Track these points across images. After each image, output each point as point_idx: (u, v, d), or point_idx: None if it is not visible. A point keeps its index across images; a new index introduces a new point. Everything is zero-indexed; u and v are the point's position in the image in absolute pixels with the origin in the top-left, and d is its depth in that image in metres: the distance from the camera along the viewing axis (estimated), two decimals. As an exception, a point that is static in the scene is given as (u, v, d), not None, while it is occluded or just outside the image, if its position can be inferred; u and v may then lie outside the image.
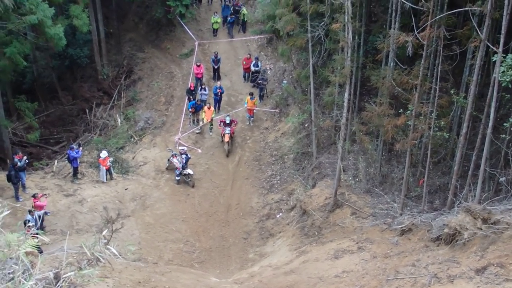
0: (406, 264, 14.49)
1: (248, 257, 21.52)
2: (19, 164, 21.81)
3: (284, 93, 29.71)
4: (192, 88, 29.62)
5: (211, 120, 28.20)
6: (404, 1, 17.35)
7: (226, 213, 24.18)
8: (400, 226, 16.93)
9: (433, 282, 12.72)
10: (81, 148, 24.81)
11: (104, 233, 8.25)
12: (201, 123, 28.51)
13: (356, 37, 22.21)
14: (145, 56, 35.09)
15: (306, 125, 26.73)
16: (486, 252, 12.73)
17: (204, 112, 28.17)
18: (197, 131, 28.47)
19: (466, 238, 13.65)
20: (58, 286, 5.54)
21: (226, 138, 27.06)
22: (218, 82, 30.24)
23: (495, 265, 11.98)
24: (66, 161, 24.92)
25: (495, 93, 15.12)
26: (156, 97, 31.98)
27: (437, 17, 16.20)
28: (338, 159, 19.98)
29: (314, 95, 24.55)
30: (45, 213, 20.69)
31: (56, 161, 26.78)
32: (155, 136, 28.64)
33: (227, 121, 27.17)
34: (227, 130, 26.95)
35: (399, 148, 19.40)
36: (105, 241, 9.07)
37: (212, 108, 28.23)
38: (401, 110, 19.67)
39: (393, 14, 19.01)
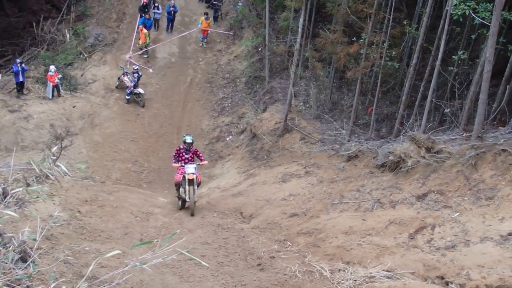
0: (351, 189, 14.92)
1: (197, 179, 21.65)
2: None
3: (239, 15, 29.31)
4: (145, 4, 28.80)
5: (146, 41, 27.63)
6: None
7: (176, 134, 24.08)
8: (347, 153, 17.31)
9: (376, 207, 13.19)
10: (22, 63, 23.63)
11: (53, 150, 8.16)
12: (144, 48, 27.89)
13: (314, -38, 21.88)
14: (97, -31, 33.62)
15: (259, 49, 26.54)
16: (428, 180, 13.22)
17: (140, 32, 27.61)
18: (145, 56, 27.93)
19: (409, 166, 14.11)
20: (6, 202, 5.46)
21: (190, 177, 14.78)
22: (172, 1, 29.53)
23: (435, 192, 12.48)
24: (11, 76, 24.15)
25: (446, 26, 15.33)
26: (107, 13, 30.92)
27: None
28: (290, 84, 20.06)
29: (269, 19, 24.30)
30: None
31: (0, 75, 25.88)
32: (106, 54, 27.93)
33: (188, 140, 15.07)
34: (190, 168, 14.83)
35: (350, 76, 19.61)
36: (54, 158, 9.00)
37: (145, 31, 27.52)
38: (354, 39, 19.79)
39: None
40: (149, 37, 27.64)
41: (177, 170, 15.20)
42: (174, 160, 15.16)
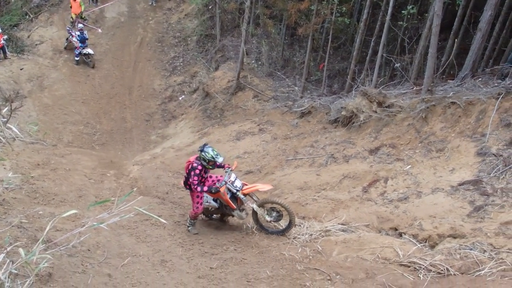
0: (305, 145, 15.05)
1: (150, 139, 21.48)
2: None
3: (188, -28, 28.70)
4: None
5: (80, 14, 25.70)
6: None
7: (127, 95, 23.69)
8: (300, 109, 17.38)
9: (330, 162, 13.38)
10: None
11: (3, 111, 7.85)
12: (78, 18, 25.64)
13: None
14: None
15: (210, 7, 26.14)
16: (380, 134, 13.46)
17: (72, 1, 25.48)
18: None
19: (362, 121, 14.31)
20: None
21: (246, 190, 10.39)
22: (119, -42, 28.67)
23: (387, 146, 12.73)
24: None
25: (396, -20, 15.38)
26: (53, -29, 29.84)
27: None
28: (242, 42, 19.87)
29: (219, -25, 23.92)
30: None
31: None
32: (52, 14, 26.94)
33: (220, 161, 9.96)
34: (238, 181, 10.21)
35: (302, 33, 19.56)
36: (5, 120, 8.71)
37: (78, 0, 25.41)
38: (305, -5, 19.67)
39: None
40: (84, 5, 26.14)
41: (196, 198, 10.15)
42: (204, 188, 9.67)
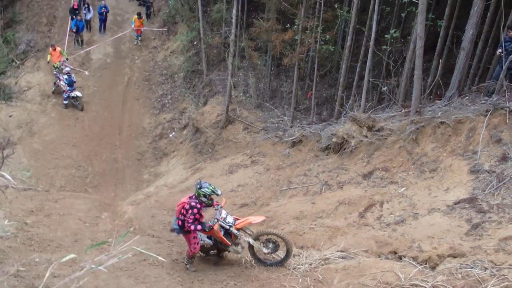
0: (298, 174, 15.04)
1: (143, 178, 21.41)
2: None
3: (172, 10, 28.97)
4: (75, 7, 28.06)
5: (59, 63, 25.12)
6: None
7: (118, 135, 23.67)
8: (291, 138, 17.42)
9: (324, 189, 13.36)
10: None
11: None
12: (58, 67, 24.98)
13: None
14: (21, -26, 32.50)
15: (195, 43, 26.34)
16: (372, 158, 13.48)
17: (52, 51, 25.17)
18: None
19: (353, 146, 14.35)
20: None
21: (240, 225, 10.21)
22: (103, 1, 28.96)
23: (380, 169, 12.74)
24: None
25: (376, 6, 15.61)
26: (37, 18, 29.96)
27: None
28: (229, 75, 19.99)
29: (202, 12, 24.13)
30: None
31: None
32: (39, 59, 27.06)
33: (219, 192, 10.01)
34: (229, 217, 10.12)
35: (287, 63, 19.76)
36: (-3, 167, 8.65)
37: (58, 49, 25.31)
38: (288, 25, 19.94)
39: None
40: (65, 53, 25.81)
41: (192, 239, 9.93)
42: (198, 226, 9.54)
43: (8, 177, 6.15)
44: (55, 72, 24.73)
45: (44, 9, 30.39)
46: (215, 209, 9.94)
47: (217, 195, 9.65)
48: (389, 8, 17.93)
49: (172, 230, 10.44)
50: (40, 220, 12.86)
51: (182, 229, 9.86)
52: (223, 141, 20.07)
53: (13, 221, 12.07)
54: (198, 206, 9.56)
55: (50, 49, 25.21)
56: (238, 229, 9.79)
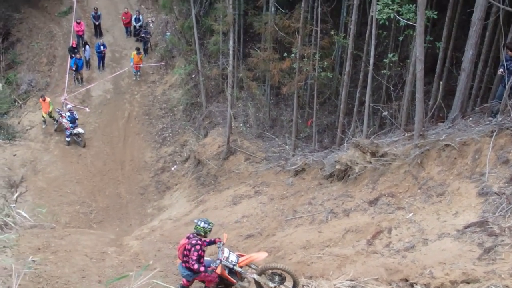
0: (303, 203, 14.88)
1: (147, 212, 21.35)
2: None
3: (169, 45, 29.20)
4: (74, 46, 28.30)
5: (49, 113, 25.17)
6: None
7: (120, 170, 23.73)
8: (293, 167, 17.30)
9: (330, 218, 13.16)
10: None
11: (15, 196, 7.71)
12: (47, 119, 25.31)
13: (236, -16, 22.05)
14: (21, 16, 32.71)
15: (193, 76, 26.44)
16: (377, 184, 13.30)
17: (41, 102, 25.22)
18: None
19: (357, 172, 14.18)
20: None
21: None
22: (101, 40, 29.26)
23: (386, 195, 12.56)
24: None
25: (373, 31, 15.60)
26: (38, 58, 30.39)
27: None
28: (228, 106, 19.96)
29: (199, 45, 24.27)
30: None
31: None
32: (40, 99, 27.26)
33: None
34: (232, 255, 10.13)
35: (286, 91, 19.77)
36: (14, 205, 8.51)
37: (48, 100, 25.17)
38: (285, 54, 19.99)
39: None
40: (52, 105, 25.36)
41: (205, 276, 9.93)
42: (201, 268, 9.60)
43: (25, 214, 6.03)
44: (58, 109, 24.82)
45: (44, 49, 30.89)
46: (218, 247, 9.96)
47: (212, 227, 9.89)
48: (385, 32, 17.98)
49: (184, 278, 10.31)
50: (47, 257, 12.87)
51: (191, 271, 9.79)
52: (226, 172, 19.99)
53: (21, 259, 12.03)
54: (200, 242, 9.64)
55: (40, 99, 25.32)
56: (241, 267, 9.76)
